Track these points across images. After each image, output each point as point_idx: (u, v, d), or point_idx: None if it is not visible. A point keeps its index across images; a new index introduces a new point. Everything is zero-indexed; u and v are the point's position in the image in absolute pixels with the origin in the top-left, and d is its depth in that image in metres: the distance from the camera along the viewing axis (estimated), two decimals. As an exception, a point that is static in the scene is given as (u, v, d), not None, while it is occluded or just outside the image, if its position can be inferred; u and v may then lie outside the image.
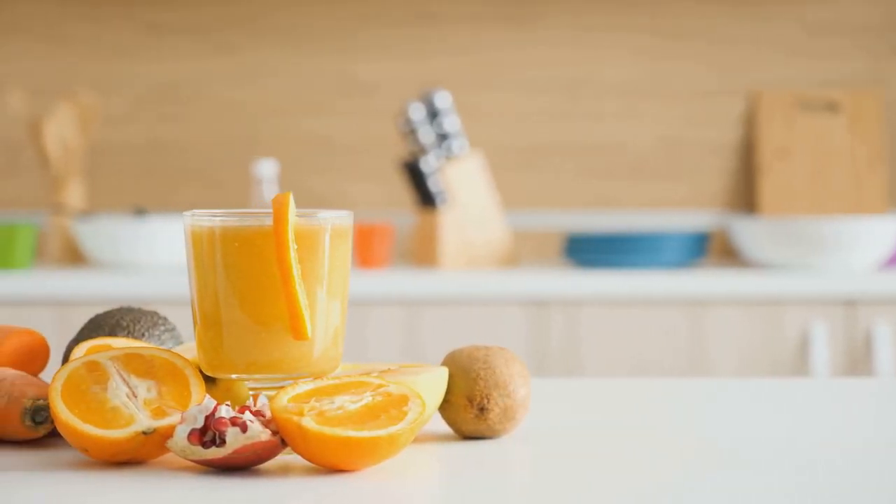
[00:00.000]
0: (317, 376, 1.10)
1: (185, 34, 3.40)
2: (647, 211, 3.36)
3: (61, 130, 3.20)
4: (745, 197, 3.35)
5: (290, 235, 1.07)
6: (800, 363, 2.79)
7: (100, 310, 2.81)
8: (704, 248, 3.04)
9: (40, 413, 1.12)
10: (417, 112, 3.07)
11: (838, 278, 2.81)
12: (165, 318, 1.25)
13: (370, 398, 1.05)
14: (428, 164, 3.07)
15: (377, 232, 3.04)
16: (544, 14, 3.37)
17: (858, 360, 2.79)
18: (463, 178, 3.10)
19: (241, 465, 1.04)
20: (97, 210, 3.34)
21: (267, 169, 3.08)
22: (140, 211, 3.22)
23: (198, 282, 1.11)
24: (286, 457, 1.09)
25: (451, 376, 1.16)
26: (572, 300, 2.82)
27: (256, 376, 1.10)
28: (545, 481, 1.01)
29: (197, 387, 1.09)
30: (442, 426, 1.19)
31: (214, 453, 1.02)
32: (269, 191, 3.07)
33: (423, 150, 3.09)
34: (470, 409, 1.14)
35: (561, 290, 2.84)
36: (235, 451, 1.02)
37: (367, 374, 1.12)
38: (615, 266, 2.97)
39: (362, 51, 3.39)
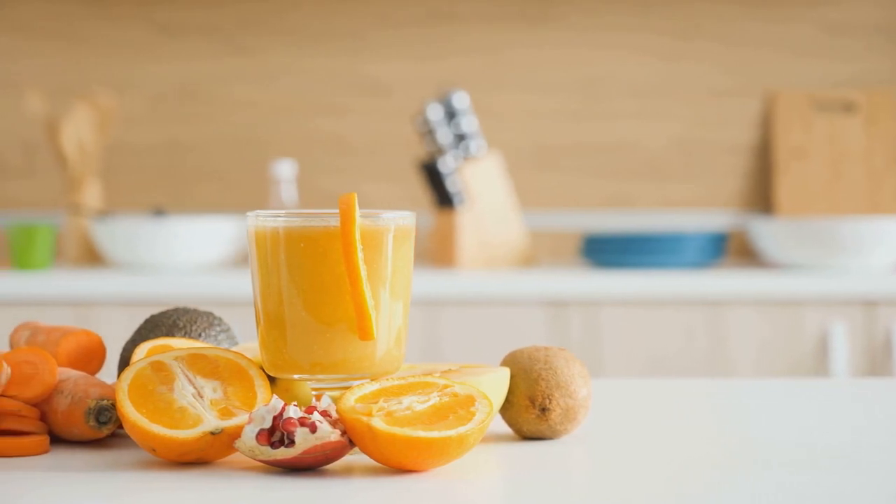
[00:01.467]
0: (379, 377, 1.10)
1: (202, 35, 3.40)
2: (663, 211, 3.36)
3: (78, 131, 3.20)
4: (762, 197, 3.36)
5: (357, 236, 1.07)
6: (819, 364, 2.80)
7: (120, 310, 2.82)
8: (722, 249, 3.04)
9: (104, 413, 1.13)
10: (435, 112, 3.07)
11: (857, 279, 2.82)
12: (221, 319, 1.26)
13: (437, 399, 1.06)
14: (446, 164, 3.07)
15: (395, 232, 3.04)
16: (560, 14, 3.37)
17: (877, 361, 2.80)
18: (481, 178, 3.10)
19: (310, 466, 1.04)
20: (114, 210, 3.34)
21: (285, 169, 3.08)
22: (159, 211, 3.22)
23: (261, 282, 1.11)
24: (350, 457, 1.09)
25: (511, 377, 1.16)
26: (591, 300, 2.83)
27: (319, 376, 1.10)
28: (611, 482, 1.02)
29: (262, 387, 1.10)
30: (501, 426, 1.19)
31: (283, 454, 1.03)
32: (287, 191, 3.07)
33: (440, 151, 3.09)
34: (532, 410, 1.14)
35: (580, 290, 2.84)
36: (305, 452, 1.02)
37: (430, 374, 1.13)
38: (633, 266, 2.98)
39: (378, 51, 3.39)
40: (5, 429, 1.11)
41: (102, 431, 1.13)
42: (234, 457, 1.09)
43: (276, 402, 1.04)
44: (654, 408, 1.36)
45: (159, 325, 1.23)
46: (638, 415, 1.30)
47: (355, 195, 1.08)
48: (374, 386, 1.07)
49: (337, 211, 1.09)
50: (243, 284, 2.87)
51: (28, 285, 2.86)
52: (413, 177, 3.35)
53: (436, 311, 2.83)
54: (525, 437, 1.16)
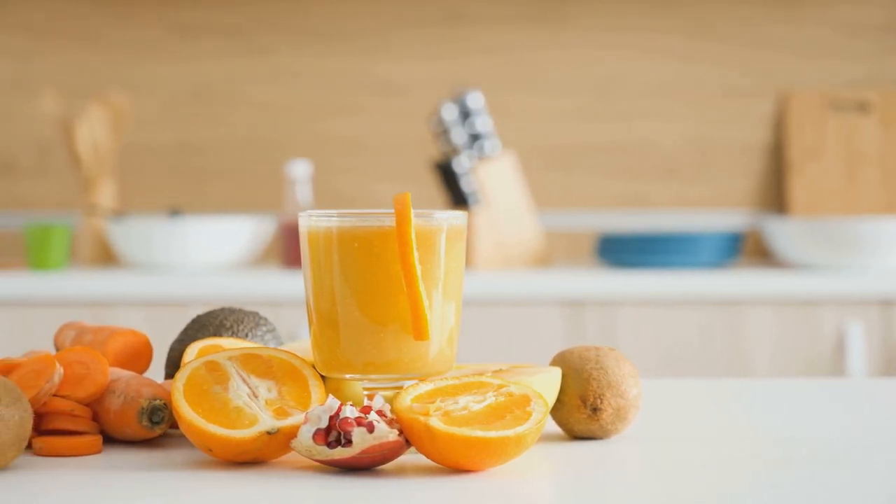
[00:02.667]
0: (431, 377, 1.11)
1: (217, 35, 3.40)
2: (677, 211, 3.37)
3: (93, 131, 3.20)
4: (776, 197, 3.36)
5: (413, 236, 1.07)
6: (835, 364, 2.80)
7: (136, 311, 2.81)
8: (737, 249, 3.05)
9: (157, 413, 1.13)
10: (450, 112, 3.07)
11: (873, 279, 2.82)
12: (266, 319, 1.26)
13: (493, 398, 1.06)
14: (461, 164, 3.07)
15: (411, 232, 3.04)
16: (575, 14, 3.37)
17: (894, 361, 2.80)
18: (495, 178, 3.11)
19: (367, 466, 1.04)
20: (129, 211, 3.34)
21: (300, 170, 3.08)
22: (175, 211, 3.22)
23: (314, 282, 1.11)
24: (404, 456, 1.09)
25: (562, 377, 1.16)
26: (607, 300, 2.83)
27: (372, 376, 1.10)
28: (668, 482, 1.02)
29: (316, 387, 1.10)
30: (550, 426, 1.19)
31: (341, 453, 1.03)
32: (303, 191, 3.07)
33: (455, 151, 3.09)
34: (583, 410, 1.14)
35: (596, 290, 2.84)
36: (363, 452, 1.02)
37: (482, 374, 1.13)
38: (649, 266, 2.98)
39: (392, 51, 3.39)
40: (58, 428, 1.11)
41: (155, 431, 1.13)
42: (288, 456, 1.09)
43: (333, 402, 1.04)
44: (694, 407, 1.36)
45: (206, 325, 1.23)
46: (681, 414, 1.30)
47: (409, 195, 1.09)
48: (429, 386, 1.07)
49: (391, 211, 1.09)
50: (259, 284, 2.88)
51: (44, 285, 2.86)
52: (427, 177, 3.35)
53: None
54: (575, 436, 1.16)
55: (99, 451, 1.11)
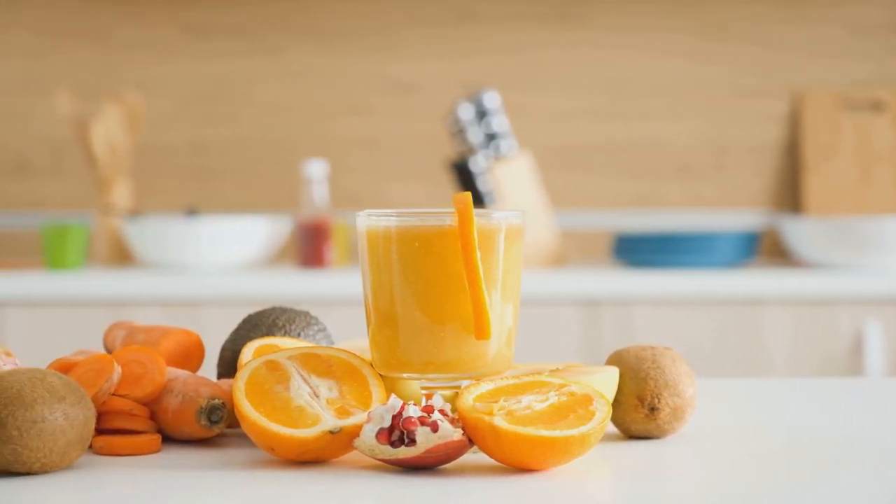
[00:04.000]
0: (489, 377, 1.11)
1: (230, 35, 3.40)
2: (691, 210, 3.37)
3: (108, 131, 3.20)
4: (790, 197, 3.37)
5: (475, 235, 1.07)
6: (853, 363, 2.80)
7: (154, 310, 2.81)
8: (754, 248, 3.05)
9: (216, 412, 1.13)
10: (466, 112, 3.07)
11: (891, 278, 2.82)
12: (317, 318, 1.26)
13: (556, 398, 1.06)
14: (477, 164, 3.07)
15: (427, 232, 3.04)
16: (589, 14, 3.37)
17: (911, 360, 2.81)
18: (511, 177, 3.11)
19: (431, 465, 1.04)
20: (144, 210, 3.34)
21: (316, 169, 3.08)
22: (191, 211, 3.21)
23: (372, 281, 1.11)
24: (465, 455, 1.09)
25: (619, 376, 1.16)
26: (624, 300, 2.83)
27: (430, 376, 1.10)
28: (730, 481, 1.02)
29: (376, 386, 1.10)
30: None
31: (405, 453, 1.03)
32: (319, 191, 3.07)
33: (471, 150, 3.09)
34: (640, 409, 1.14)
35: (612, 289, 2.85)
36: (428, 451, 1.02)
37: (539, 373, 1.13)
38: (665, 266, 2.98)
39: (405, 51, 3.39)
40: (116, 428, 1.11)
41: (213, 430, 1.13)
42: (348, 455, 1.09)
43: (395, 402, 1.04)
44: (739, 406, 1.36)
45: (258, 324, 1.23)
46: (729, 412, 1.30)
47: (470, 194, 1.09)
48: (490, 385, 1.08)
49: (451, 210, 1.09)
50: (276, 284, 2.87)
51: (60, 285, 2.85)
52: (441, 176, 3.35)
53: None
54: (631, 436, 1.16)
55: (158, 451, 1.11)
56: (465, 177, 3.08)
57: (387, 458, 1.04)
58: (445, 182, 3.34)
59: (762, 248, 3.32)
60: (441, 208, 1.10)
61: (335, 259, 3.12)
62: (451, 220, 1.08)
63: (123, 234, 3.12)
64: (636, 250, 3.04)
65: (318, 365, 1.10)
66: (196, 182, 3.40)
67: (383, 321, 1.11)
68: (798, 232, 3.00)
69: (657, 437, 1.16)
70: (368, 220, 1.11)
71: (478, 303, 1.07)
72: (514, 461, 1.03)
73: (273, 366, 1.09)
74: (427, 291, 1.09)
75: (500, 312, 1.10)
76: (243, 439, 1.17)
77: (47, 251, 3.01)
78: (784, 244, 3.25)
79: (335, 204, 3.25)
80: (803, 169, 3.31)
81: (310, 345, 1.18)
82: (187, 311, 2.83)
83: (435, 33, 3.39)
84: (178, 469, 1.06)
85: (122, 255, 3.19)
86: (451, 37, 3.39)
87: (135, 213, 3.22)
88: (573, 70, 3.39)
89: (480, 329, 1.08)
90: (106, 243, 3.17)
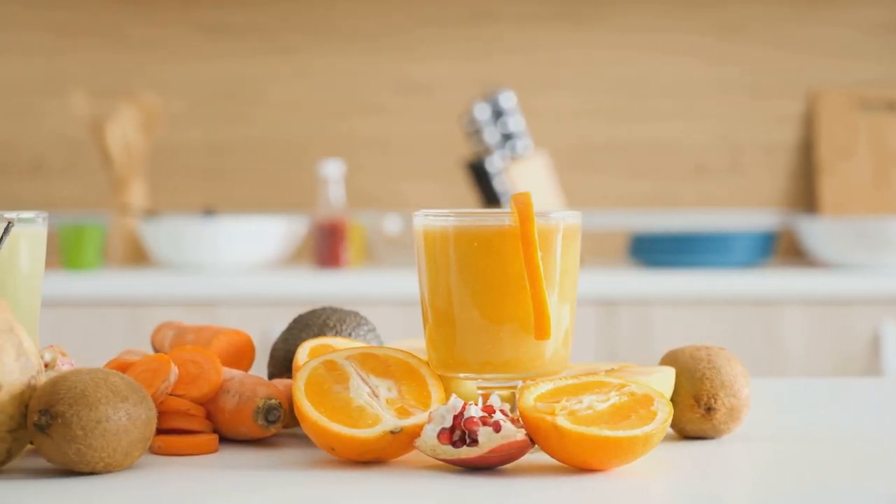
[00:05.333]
0: (546, 377, 1.10)
1: (244, 35, 3.40)
2: (707, 210, 3.37)
3: (124, 131, 3.19)
4: (805, 197, 3.37)
5: (536, 235, 1.07)
6: (870, 363, 2.81)
7: (171, 310, 2.81)
8: (770, 248, 3.05)
9: (273, 412, 1.13)
10: (482, 112, 3.07)
11: (909, 278, 2.83)
12: (366, 318, 1.26)
13: (617, 398, 1.06)
14: (493, 164, 3.07)
15: (443, 232, 3.04)
16: (604, 15, 3.37)
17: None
18: (527, 177, 3.11)
19: (493, 465, 1.04)
20: (160, 210, 3.33)
21: (333, 169, 3.07)
22: (209, 211, 3.21)
23: (430, 281, 1.11)
24: (526, 455, 1.09)
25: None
26: (641, 300, 2.83)
27: (487, 376, 1.10)
28: (792, 483, 1.02)
29: (435, 386, 1.10)
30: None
31: (468, 453, 1.03)
32: (335, 191, 3.06)
33: (487, 150, 3.09)
34: (696, 409, 1.14)
35: (630, 289, 2.85)
36: (491, 451, 1.02)
37: (596, 374, 1.13)
38: (682, 266, 2.98)
39: (420, 51, 3.39)
40: (173, 427, 1.11)
41: (270, 430, 1.13)
42: (407, 455, 1.09)
43: (456, 402, 1.04)
44: (792, 405, 1.36)
45: (310, 324, 1.23)
46: (783, 413, 1.30)
47: (530, 193, 1.09)
48: (549, 385, 1.07)
49: (508, 210, 1.09)
50: (293, 284, 2.87)
51: (77, 285, 2.85)
52: (455, 176, 3.35)
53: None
54: (686, 436, 1.16)
55: (216, 451, 1.11)
56: (481, 177, 3.08)
57: (448, 458, 1.04)
58: (460, 182, 3.34)
59: (778, 248, 3.33)
60: (497, 209, 1.10)
61: (351, 259, 3.12)
62: (509, 220, 1.08)
63: (140, 235, 3.12)
64: (653, 250, 3.04)
65: (377, 365, 1.10)
66: (211, 182, 3.39)
67: (440, 321, 1.11)
68: (814, 232, 3.00)
69: (712, 438, 1.16)
70: (425, 220, 1.11)
71: (539, 303, 1.07)
72: (577, 461, 1.03)
73: (331, 366, 1.09)
74: (485, 291, 1.09)
75: (558, 312, 1.10)
76: (297, 439, 1.17)
77: (64, 251, 3.01)
78: (800, 244, 3.26)
79: (349, 204, 3.25)
80: (818, 169, 3.31)
81: (365, 345, 1.18)
82: (205, 311, 2.83)
83: (450, 33, 3.39)
84: (239, 469, 1.06)
85: (138, 256, 3.18)
86: (466, 37, 3.39)
87: (151, 213, 3.22)
88: (589, 70, 3.39)
89: (541, 329, 1.08)
90: (122, 243, 3.17)
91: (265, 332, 2.71)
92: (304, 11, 3.40)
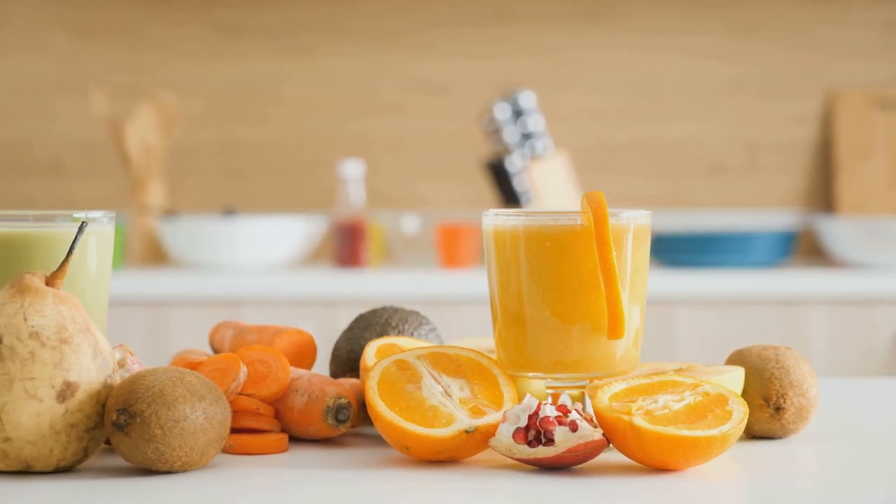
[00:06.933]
0: (616, 376, 1.10)
1: (262, 35, 3.39)
2: (724, 210, 3.37)
3: (142, 131, 3.19)
4: (823, 196, 3.37)
5: (610, 235, 1.07)
6: (892, 362, 2.81)
7: (191, 310, 2.81)
8: (790, 248, 3.06)
9: (342, 412, 1.12)
10: (502, 111, 3.07)
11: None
12: (427, 318, 1.25)
13: (691, 398, 1.06)
14: (513, 163, 3.07)
15: (463, 232, 3.04)
16: (621, 14, 3.37)
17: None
18: (547, 177, 3.11)
19: (569, 465, 1.04)
20: (177, 210, 3.33)
21: (352, 169, 3.07)
22: (229, 211, 3.21)
23: (499, 280, 1.11)
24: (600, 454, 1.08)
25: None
26: (663, 300, 2.83)
27: (558, 375, 1.10)
28: (865, 484, 1.02)
29: (507, 385, 1.10)
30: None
31: (544, 452, 1.03)
32: (354, 191, 3.06)
33: (507, 150, 3.09)
34: (765, 409, 1.14)
35: (651, 289, 2.83)
36: (567, 451, 1.02)
37: (664, 373, 1.12)
38: (702, 266, 2.98)
39: (437, 50, 3.39)
40: (243, 427, 1.11)
41: (339, 430, 1.13)
42: (480, 455, 1.09)
43: (531, 401, 1.04)
44: (857, 405, 1.36)
45: (372, 323, 1.22)
46: (847, 412, 1.30)
47: (603, 193, 1.08)
48: (622, 385, 1.07)
49: (579, 210, 1.09)
50: (313, 284, 2.87)
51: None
52: (474, 176, 3.34)
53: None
54: (754, 435, 1.16)
55: (286, 450, 1.11)
56: (500, 177, 3.08)
57: (524, 457, 1.03)
58: (477, 182, 3.34)
59: (797, 248, 3.33)
60: (569, 209, 1.10)
61: (371, 259, 3.11)
62: (582, 220, 1.08)
63: (159, 235, 3.12)
64: (673, 250, 3.04)
65: (448, 364, 1.10)
66: (228, 182, 3.39)
67: (510, 320, 1.11)
68: (834, 231, 3.00)
69: (780, 437, 1.16)
70: (496, 220, 1.11)
71: (614, 302, 1.07)
72: (654, 461, 1.03)
73: (403, 365, 1.09)
74: (557, 291, 1.09)
75: (629, 312, 1.10)
76: (364, 438, 1.17)
77: (84, 251, 3.00)
78: (819, 244, 3.26)
79: (371, 204, 3.24)
80: (836, 168, 3.31)
81: (433, 344, 1.18)
82: (226, 311, 2.82)
83: (468, 33, 3.39)
84: (313, 468, 1.06)
85: (157, 256, 3.18)
86: (484, 36, 3.39)
87: (170, 213, 3.21)
88: (607, 70, 3.39)
89: (615, 329, 1.08)
90: (141, 244, 3.16)
91: (289, 331, 2.70)
92: (323, 11, 3.39)
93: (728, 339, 2.81)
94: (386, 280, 2.91)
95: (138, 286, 2.85)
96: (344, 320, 2.75)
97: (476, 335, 2.85)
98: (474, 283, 2.86)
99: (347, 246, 3.03)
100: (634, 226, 1.10)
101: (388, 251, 3.27)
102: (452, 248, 3.05)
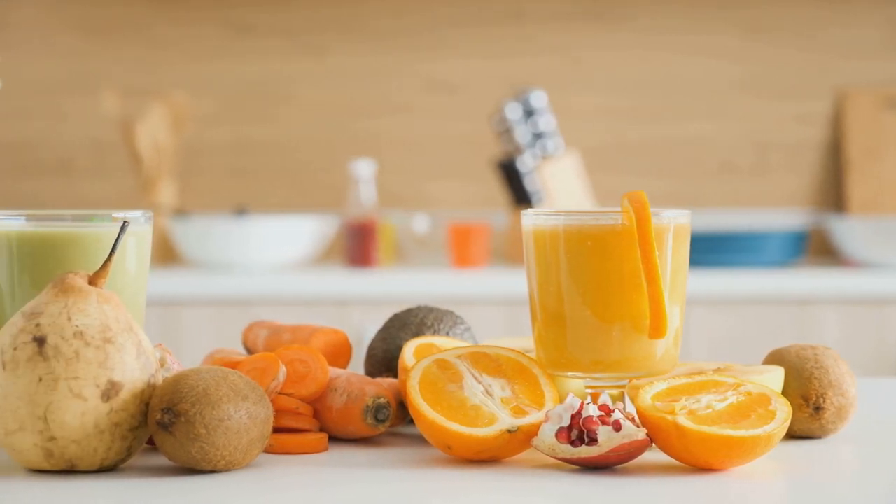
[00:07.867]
0: (656, 376, 1.10)
1: (273, 34, 3.39)
2: (735, 210, 3.37)
3: (153, 131, 3.19)
4: (833, 196, 3.37)
5: (653, 234, 1.07)
6: (905, 362, 2.81)
7: (202, 310, 2.80)
8: (802, 247, 3.06)
9: (382, 411, 1.12)
10: (513, 111, 3.07)
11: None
12: (462, 318, 1.25)
13: (734, 398, 1.05)
14: (524, 163, 3.07)
15: (474, 232, 3.04)
16: (632, 14, 3.37)
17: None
18: (558, 177, 3.11)
19: (612, 464, 1.04)
20: (188, 210, 3.33)
21: (364, 169, 3.07)
22: (242, 210, 3.21)
23: (539, 280, 1.11)
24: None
25: (781, 375, 1.16)
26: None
27: (597, 375, 1.10)
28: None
29: (548, 385, 1.10)
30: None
31: (587, 452, 1.02)
32: (366, 190, 3.06)
33: (518, 150, 3.09)
34: (805, 409, 1.14)
35: (664, 289, 2.84)
36: (611, 451, 1.02)
37: (703, 373, 1.12)
38: (713, 265, 2.98)
39: (449, 50, 3.39)
40: (282, 426, 1.11)
41: (379, 429, 1.12)
42: (522, 454, 1.09)
43: (574, 401, 1.04)
44: (893, 405, 1.36)
45: (408, 323, 1.22)
46: (884, 412, 1.30)
47: (645, 193, 1.08)
48: (663, 384, 1.07)
49: (619, 209, 1.09)
50: (325, 283, 2.87)
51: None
52: (485, 175, 3.34)
53: (517, 310, 2.83)
54: (792, 435, 1.16)
55: (326, 450, 1.11)
56: (512, 176, 3.08)
57: (567, 457, 1.03)
58: (488, 181, 3.34)
59: (808, 248, 3.33)
60: (606, 208, 1.10)
61: (382, 258, 3.11)
62: (622, 220, 1.08)
63: (170, 234, 3.11)
64: (685, 250, 3.03)
65: (489, 364, 1.10)
66: (239, 181, 3.39)
67: (550, 320, 1.10)
68: (846, 231, 3.00)
69: (819, 437, 1.15)
70: (535, 219, 1.11)
71: (656, 302, 1.07)
72: (698, 461, 1.03)
73: (444, 365, 1.09)
74: (597, 290, 1.09)
75: (670, 311, 1.10)
76: (403, 438, 1.17)
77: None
78: (831, 243, 3.26)
79: (383, 204, 3.24)
80: (846, 168, 3.31)
81: (472, 344, 1.18)
82: (238, 310, 2.82)
83: (479, 32, 3.39)
84: (354, 467, 1.06)
85: (168, 255, 3.18)
86: (495, 36, 3.39)
87: (181, 212, 3.21)
88: (618, 69, 3.39)
89: (657, 328, 1.07)
90: (152, 243, 3.16)
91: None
92: (334, 11, 3.39)
93: (739, 339, 2.82)
94: (397, 279, 2.91)
95: (150, 286, 2.84)
96: (355, 320, 2.76)
97: (488, 335, 2.85)
98: (485, 282, 2.86)
99: (358, 245, 3.02)
100: (675, 225, 1.10)
101: (400, 251, 3.26)
102: (463, 247, 3.05)
